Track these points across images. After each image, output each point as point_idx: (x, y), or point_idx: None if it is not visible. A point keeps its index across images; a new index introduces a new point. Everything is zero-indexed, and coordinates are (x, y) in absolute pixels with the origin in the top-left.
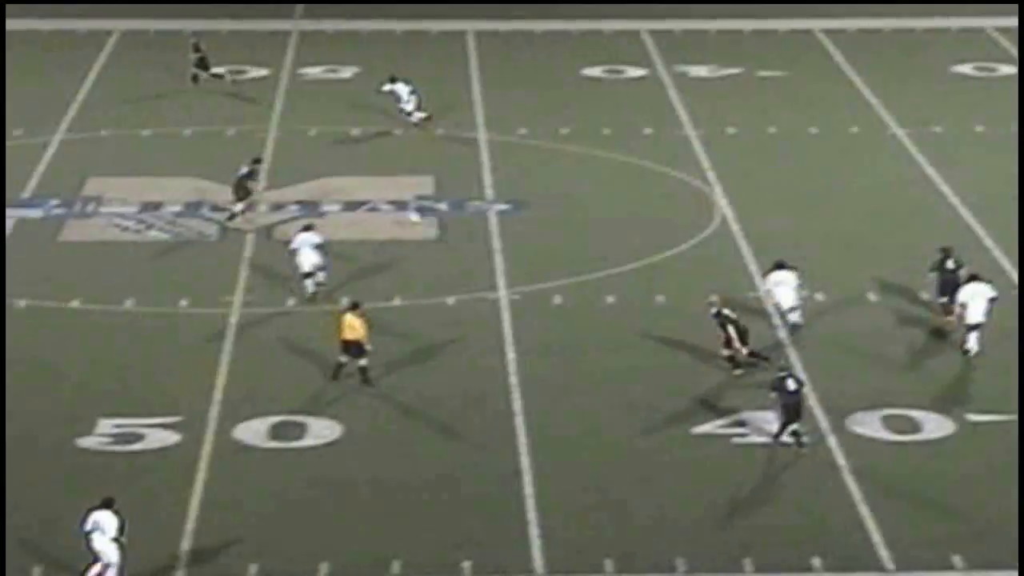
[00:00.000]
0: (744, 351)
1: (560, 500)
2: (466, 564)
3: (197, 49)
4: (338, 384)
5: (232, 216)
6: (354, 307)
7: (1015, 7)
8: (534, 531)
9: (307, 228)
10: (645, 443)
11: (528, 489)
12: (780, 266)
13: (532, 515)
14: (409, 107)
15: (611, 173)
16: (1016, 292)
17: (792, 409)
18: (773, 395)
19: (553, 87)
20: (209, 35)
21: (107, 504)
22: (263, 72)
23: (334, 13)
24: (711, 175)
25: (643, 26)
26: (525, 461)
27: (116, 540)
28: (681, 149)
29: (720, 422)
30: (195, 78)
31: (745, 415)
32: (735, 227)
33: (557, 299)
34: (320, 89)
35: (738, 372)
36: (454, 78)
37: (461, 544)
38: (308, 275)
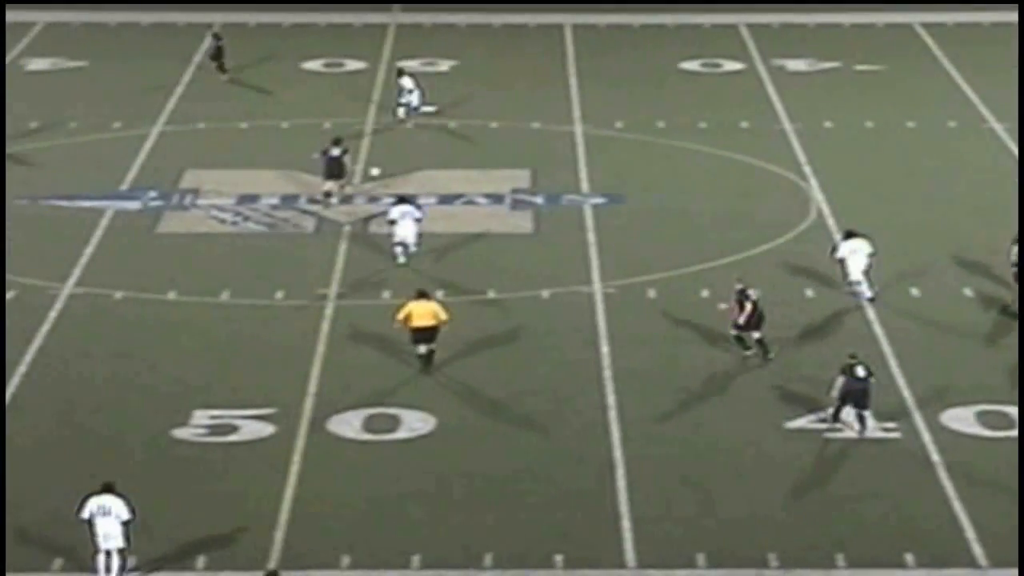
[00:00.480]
0: (755, 335)
1: (653, 494)
2: (558, 557)
3: (218, 38)
4: (432, 376)
5: (328, 195)
6: (422, 295)
7: None
8: (626, 524)
9: (403, 200)
10: (738, 437)
11: (621, 482)
12: (852, 234)
13: (624, 508)
14: (415, 101)
15: (707, 167)
16: None
17: (858, 396)
18: (840, 379)
19: (650, 81)
20: (307, 28)
21: (109, 488)
22: (361, 65)
23: (432, 6)
24: (807, 169)
25: (741, 19)
26: (618, 454)
27: (126, 524)
28: (778, 143)
29: (814, 417)
30: (221, 68)
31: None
32: (831, 221)
33: (651, 293)
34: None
35: (748, 353)
36: (551, 71)
37: (553, 537)
38: (402, 245)
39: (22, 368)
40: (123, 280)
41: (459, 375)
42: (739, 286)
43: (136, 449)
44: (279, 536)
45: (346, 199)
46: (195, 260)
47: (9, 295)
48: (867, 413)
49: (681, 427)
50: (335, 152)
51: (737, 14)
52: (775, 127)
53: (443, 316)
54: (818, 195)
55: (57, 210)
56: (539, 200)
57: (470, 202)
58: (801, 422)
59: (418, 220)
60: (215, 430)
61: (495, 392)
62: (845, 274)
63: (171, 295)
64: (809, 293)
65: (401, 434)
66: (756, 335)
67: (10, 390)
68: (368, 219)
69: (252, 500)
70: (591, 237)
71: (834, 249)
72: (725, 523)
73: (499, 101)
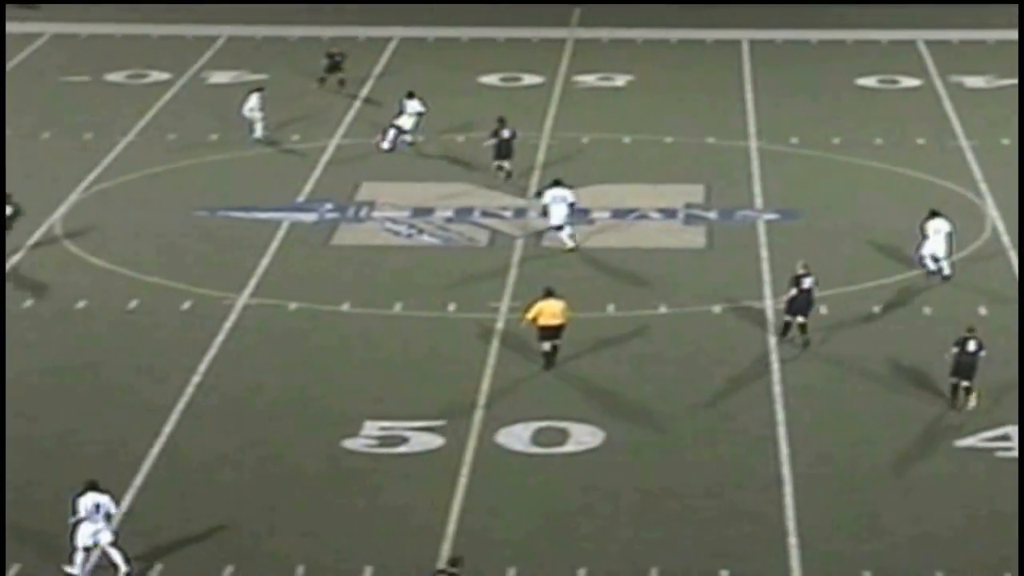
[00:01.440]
0: (799, 319)
1: (820, 511)
2: (724, 573)
3: (335, 56)
4: (602, 391)
5: (508, 175)
6: (550, 294)
7: None
8: (792, 541)
9: (556, 183)
10: (907, 454)
11: (788, 499)
12: (935, 214)
13: (791, 525)
14: (407, 126)
15: (882, 183)
16: None
17: (964, 367)
18: (954, 350)
19: (827, 96)
20: (484, 42)
21: (93, 486)
22: (538, 79)
23: (609, 21)
24: (983, 187)
25: (919, 35)
26: (786, 471)
27: (109, 517)
28: (954, 160)
29: (985, 435)
30: (326, 80)
31: (1009, 429)
32: (1005, 239)
33: (823, 309)
34: (594, 97)
35: (785, 337)
36: (727, 86)
37: (720, 553)
38: (559, 228)
39: (196, 378)
40: (297, 291)
41: (628, 389)
42: (800, 271)
43: (308, 459)
44: (446, 548)
45: (519, 212)
46: (369, 272)
47: (185, 305)
48: (968, 384)
49: (849, 444)
50: (505, 134)
51: (915, 30)
52: (952, 144)
53: (569, 314)
54: (993, 212)
55: (234, 222)
56: (712, 215)
57: (643, 216)
58: (971, 440)
59: (571, 204)
60: (385, 441)
61: (664, 407)
62: (920, 249)
63: (344, 307)
64: (982, 311)
65: (569, 447)
66: (800, 320)
67: (184, 399)
68: (541, 233)
69: (420, 511)
70: (764, 253)
71: (922, 229)
72: (892, 541)
73: (674, 116)
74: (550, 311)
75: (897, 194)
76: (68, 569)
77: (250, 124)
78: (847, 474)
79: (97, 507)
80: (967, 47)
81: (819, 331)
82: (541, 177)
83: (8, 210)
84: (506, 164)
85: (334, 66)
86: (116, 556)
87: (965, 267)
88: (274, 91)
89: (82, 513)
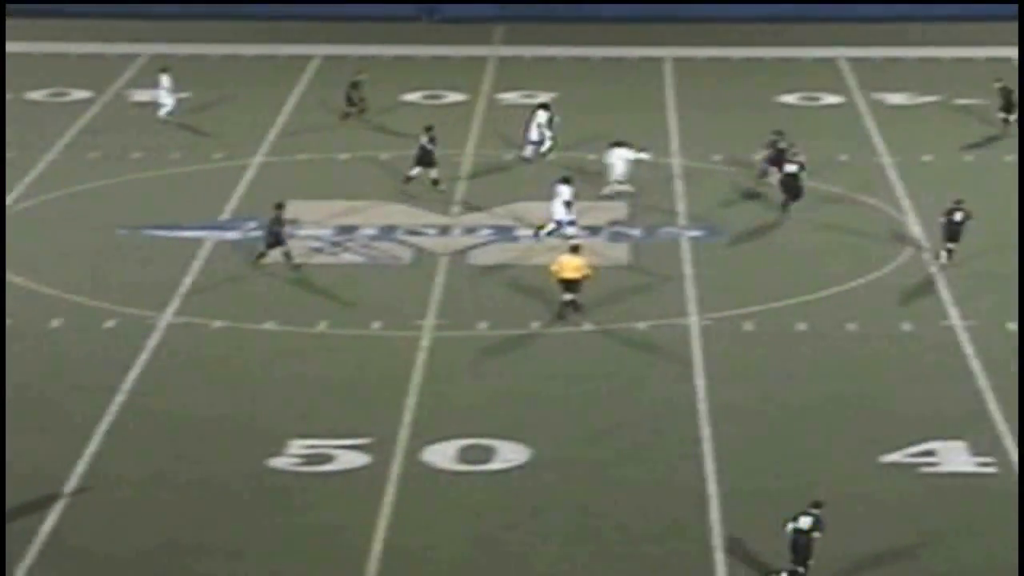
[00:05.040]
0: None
1: (746, 527)
2: None
3: (357, 87)
4: (528, 408)
5: (409, 179)
6: (574, 250)
7: None
8: (719, 557)
9: (619, 144)
10: (832, 470)
11: (715, 515)
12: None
13: (718, 541)
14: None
15: (805, 200)
16: None
17: (952, 234)
18: (942, 220)
19: (749, 113)
20: (407, 60)
21: None
22: (461, 97)
23: (532, 39)
24: (905, 203)
25: (841, 53)
26: (712, 487)
27: None
28: (876, 176)
29: (910, 451)
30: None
31: (933, 444)
32: (927, 255)
33: (748, 325)
34: (518, 114)
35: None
36: (650, 104)
37: (647, 569)
38: (618, 182)
39: (120, 397)
40: (222, 310)
41: (554, 406)
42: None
43: (234, 479)
44: (373, 567)
45: (443, 230)
46: (293, 290)
47: (109, 324)
48: (953, 246)
49: (774, 460)
50: (423, 140)
51: (836, 47)
52: (873, 160)
53: (587, 271)
54: (915, 229)
55: (158, 240)
56: (636, 233)
57: (566, 234)
58: (896, 456)
59: (629, 160)
60: (311, 460)
61: (590, 423)
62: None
63: (269, 325)
64: (905, 327)
65: (496, 465)
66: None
67: (108, 418)
68: (464, 251)
69: (347, 530)
70: (688, 270)
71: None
72: (818, 558)
73: (598, 134)
74: (571, 265)
75: (820, 211)
76: None
77: (156, 102)
78: (773, 490)
79: None
80: (888, 64)
81: (745, 347)
82: (465, 194)
83: None
84: (431, 172)
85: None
86: None
87: (887, 283)
88: (196, 109)
89: None
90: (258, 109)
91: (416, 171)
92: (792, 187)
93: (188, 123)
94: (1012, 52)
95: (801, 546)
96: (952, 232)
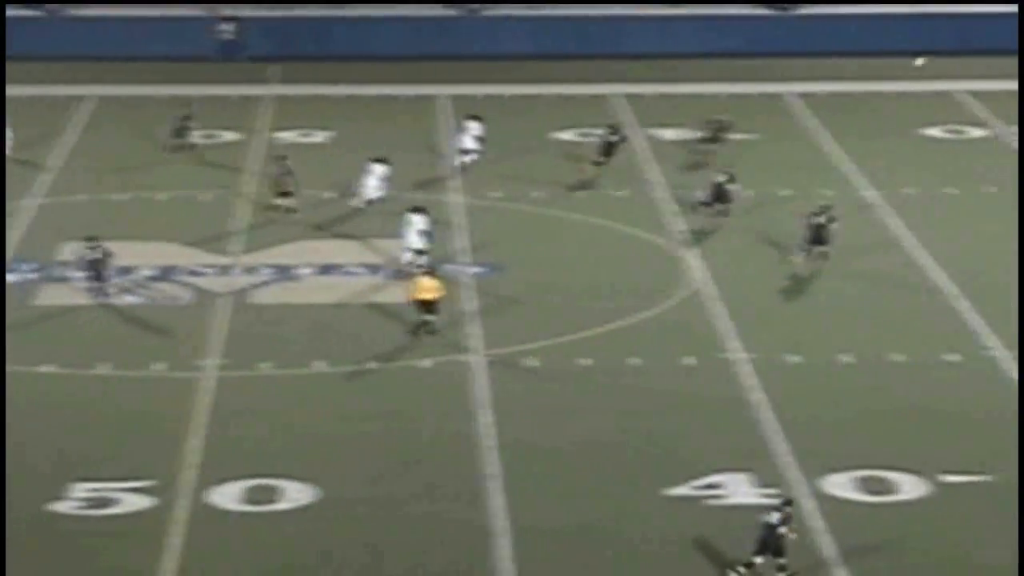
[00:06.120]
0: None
1: (534, 564)
2: None
3: (187, 118)
4: (313, 448)
5: (276, 208)
6: (430, 272)
7: None
8: None
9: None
10: (617, 505)
11: (503, 552)
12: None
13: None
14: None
15: (583, 236)
16: None
17: (819, 238)
18: (810, 222)
19: (525, 150)
20: (180, 101)
21: None
22: (235, 136)
23: (309, 78)
24: (685, 237)
25: (615, 89)
26: (500, 524)
27: None
28: (648, 210)
29: (695, 483)
30: (178, 143)
31: (719, 477)
32: (709, 288)
33: (532, 361)
34: (294, 153)
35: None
36: (428, 142)
37: None
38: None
39: None
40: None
41: (340, 445)
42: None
43: (13, 523)
44: None
45: (223, 270)
46: (72, 332)
47: None
48: (824, 249)
49: (562, 497)
50: (279, 170)
51: (611, 84)
52: (652, 195)
53: (441, 292)
54: (694, 263)
55: None
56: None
57: (348, 272)
58: (681, 489)
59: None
60: (93, 503)
61: (376, 462)
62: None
63: (47, 368)
64: (689, 361)
65: (283, 505)
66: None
67: None
68: (244, 290)
69: (134, 574)
70: (471, 306)
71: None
72: None
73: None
74: (427, 287)
75: (598, 246)
76: None
77: None
78: (560, 527)
79: None
80: (662, 100)
81: (529, 383)
82: (247, 235)
83: None
84: (284, 201)
85: (182, 130)
86: None
87: (669, 317)
88: None
89: None
90: (31, 149)
91: (280, 201)
92: (724, 196)
93: None
94: (783, 88)
95: (768, 540)
96: (819, 235)
